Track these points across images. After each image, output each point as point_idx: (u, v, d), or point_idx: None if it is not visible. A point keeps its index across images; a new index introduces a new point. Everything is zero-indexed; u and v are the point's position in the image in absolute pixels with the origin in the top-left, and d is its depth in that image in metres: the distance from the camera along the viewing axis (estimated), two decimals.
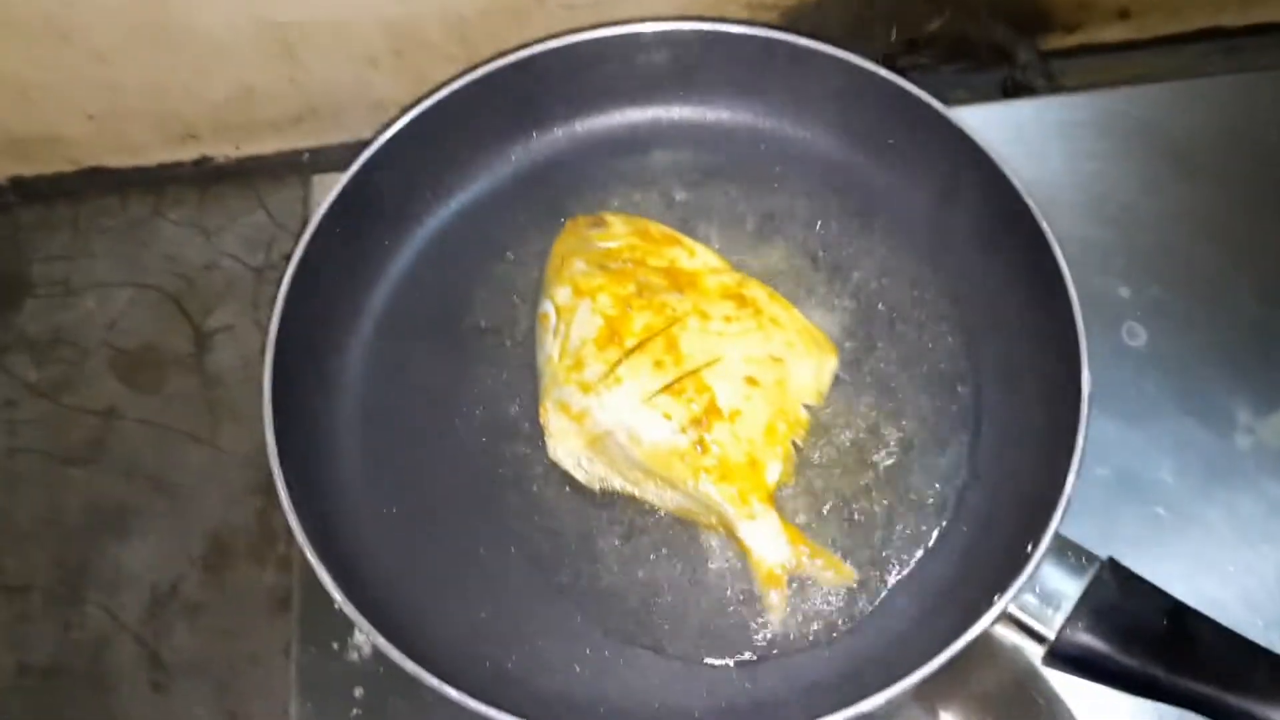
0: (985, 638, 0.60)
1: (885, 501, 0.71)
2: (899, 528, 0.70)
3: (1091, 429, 0.64)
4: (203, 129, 1.10)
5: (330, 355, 0.76)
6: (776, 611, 0.67)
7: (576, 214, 0.80)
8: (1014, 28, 1.03)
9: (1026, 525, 0.64)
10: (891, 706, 0.61)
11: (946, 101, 0.76)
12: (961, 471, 0.71)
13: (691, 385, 0.70)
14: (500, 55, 0.80)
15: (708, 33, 0.80)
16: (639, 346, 0.72)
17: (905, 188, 0.81)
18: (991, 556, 0.68)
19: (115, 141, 1.10)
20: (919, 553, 0.69)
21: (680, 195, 0.82)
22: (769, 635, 0.67)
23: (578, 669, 0.67)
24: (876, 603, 0.68)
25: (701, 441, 0.69)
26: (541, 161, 0.84)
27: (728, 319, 0.73)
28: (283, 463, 0.65)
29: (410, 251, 0.81)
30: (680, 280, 0.75)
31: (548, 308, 0.76)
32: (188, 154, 1.13)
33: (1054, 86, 0.98)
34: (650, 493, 0.71)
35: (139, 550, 0.98)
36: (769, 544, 0.68)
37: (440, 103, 0.78)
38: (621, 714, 0.65)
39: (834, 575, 0.68)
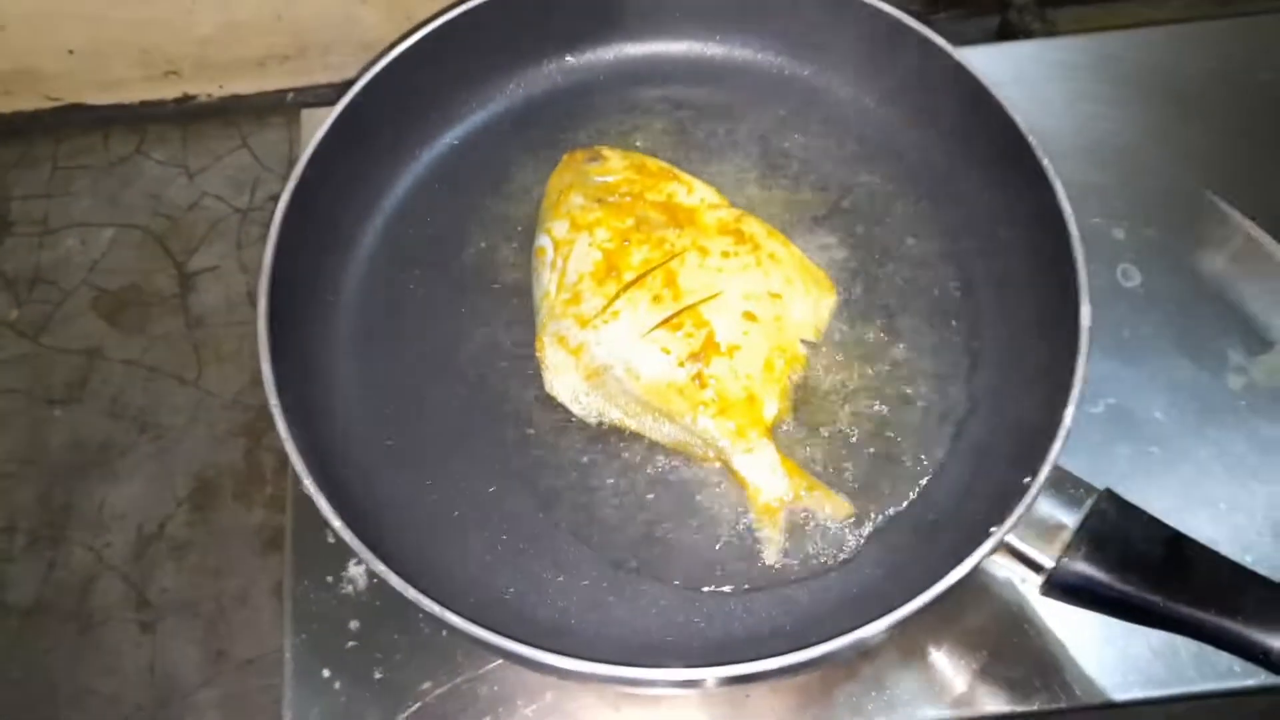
0: (978, 572, 0.60)
1: (884, 433, 0.71)
2: (897, 459, 0.70)
3: (1088, 365, 0.64)
4: (186, 66, 1.08)
5: (324, 288, 0.75)
6: (773, 545, 0.68)
7: (574, 148, 0.79)
8: None
9: (1024, 457, 0.64)
10: (887, 637, 0.61)
11: None
12: (960, 404, 0.71)
13: (690, 320, 0.70)
14: None
15: None
16: (637, 281, 0.71)
17: (907, 126, 0.80)
18: (988, 488, 0.68)
19: (96, 77, 1.08)
20: (917, 485, 0.69)
21: (679, 131, 0.81)
22: (767, 566, 0.67)
23: (576, 599, 0.66)
24: (873, 533, 0.68)
25: (700, 376, 0.69)
26: (538, 95, 0.83)
27: (726, 254, 0.73)
28: (280, 394, 0.64)
29: (405, 184, 0.80)
30: (679, 215, 0.75)
31: (544, 241, 0.75)
32: (170, 92, 1.11)
33: (1049, 30, 0.98)
34: (648, 426, 0.71)
35: (124, 490, 0.97)
36: (766, 477, 0.68)
37: (435, 32, 0.77)
38: (620, 643, 0.65)
39: (831, 509, 0.68)
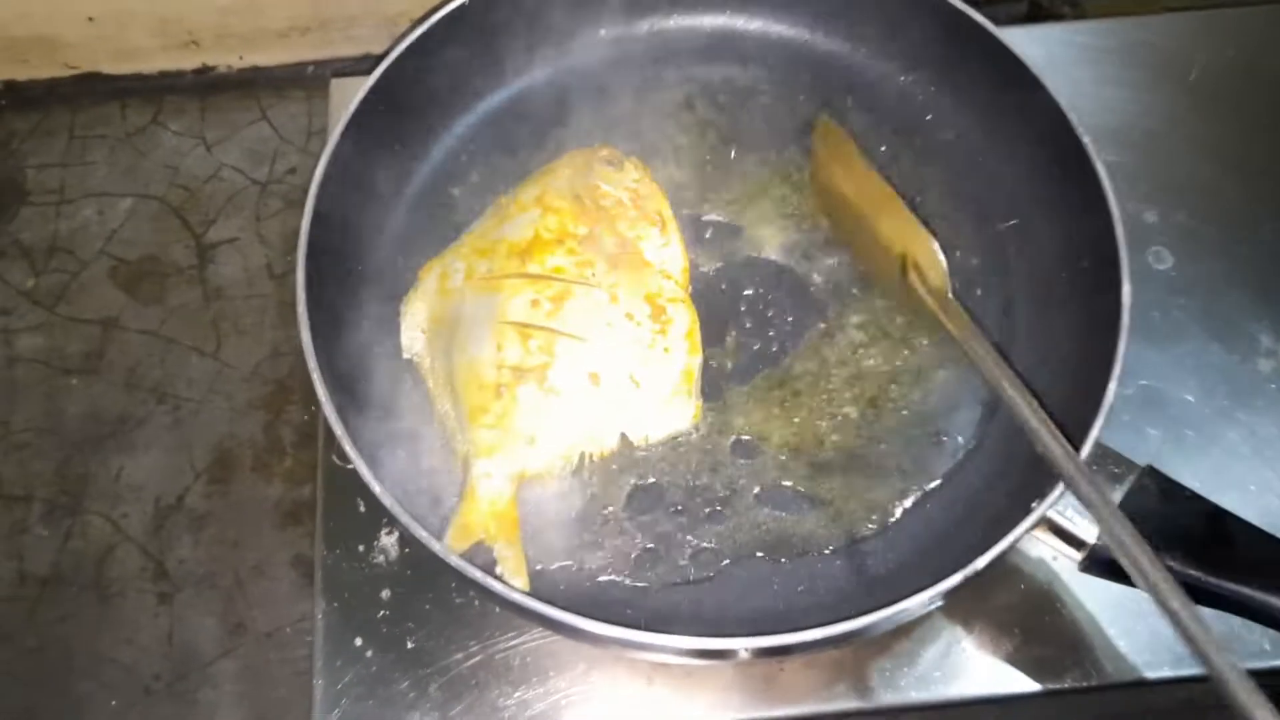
0: (1012, 550, 0.61)
1: (919, 410, 0.71)
2: (932, 436, 0.70)
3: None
4: (206, 37, 1.07)
5: (356, 256, 0.75)
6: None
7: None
8: None
9: (1063, 432, 0.64)
10: (925, 612, 0.61)
11: None
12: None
13: (542, 340, 0.68)
14: None
15: None
16: (533, 276, 0.69)
17: (940, 105, 0.80)
18: (1023, 466, 0.68)
19: (115, 46, 1.07)
20: (953, 461, 0.70)
21: (714, 109, 0.81)
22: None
23: (611, 571, 0.66)
24: (910, 509, 0.68)
25: (505, 388, 0.67)
26: (572, 67, 0.82)
27: (629, 317, 0.70)
28: (318, 359, 0.64)
29: (437, 153, 0.79)
30: (627, 259, 0.72)
31: (510, 194, 0.75)
32: (189, 62, 1.10)
33: (1079, 13, 0.98)
34: (440, 398, 0.69)
35: (142, 461, 0.97)
36: (482, 506, 0.65)
37: (471, 4, 0.76)
38: (654, 613, 0.65)
39: (513, 570, 0.64)
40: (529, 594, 0.59)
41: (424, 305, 0.71)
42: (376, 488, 0.60)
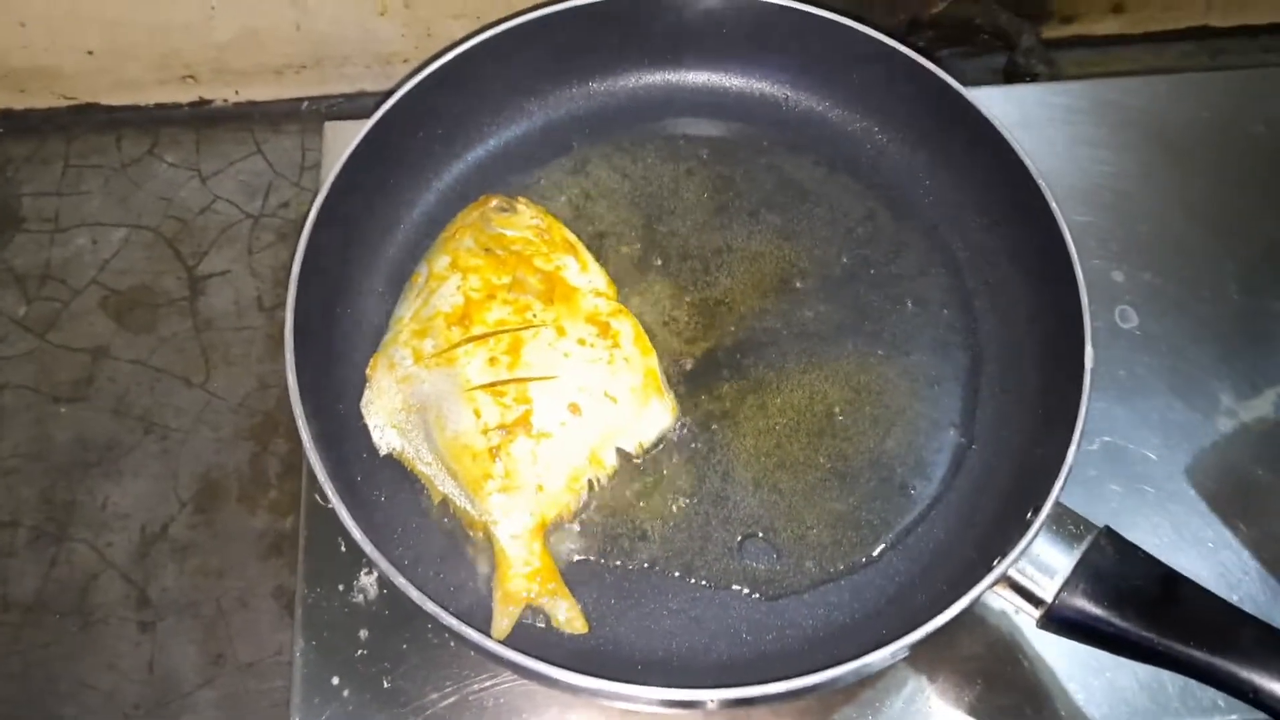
0: (975, 605, 0.63)
1: (885, 463, 0.73)
2: (897, 488, 0.72)
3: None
4: (203, 71, 1.09)
5: (344, 301, 0.77)
6: (500, 632, 0.66)
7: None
8: (1017, 14, 1.06)
9: (1024, 492, 0.66)
10: (890, 662, 0.63)
11: None
12: (958, 438, 0.74)
13: (514, 393, 0.70)
14: (511, 16, 0.80)
15: None
16: (481, 337, 0.71)
17: (911, 161, 0.83)
18: (986, 521, 0.70)
19: (113, 78, 1.08)
20: (914, 514, 0.71)
21: (692, 159, 0.83)
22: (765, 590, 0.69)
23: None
24: (874, 561, 0.70)
25: (498, 449, 0.68)
26: (559, 117, 0.84)
27: (581, 342, 0.72)
28: (304, 403, 0.66)
29: (426, 200, 0.82)
30: (556, 290, 0.74)
31: (422, 269, 0.75)
32: (186, 96, 1.12)
33: (1054, 74, 1.01)
34: (437, 477, 0.70)
35: (128, 490, 0.98)
36: (521, 568, 0.67)
37: (461, 56, 0.78)
38: (626, 660, 0.67)
39: (568, 619, 0.67)
40: (502, 643, 0.61)
41: (384, 401, 0.71)
42: (357, 535, 0.62)
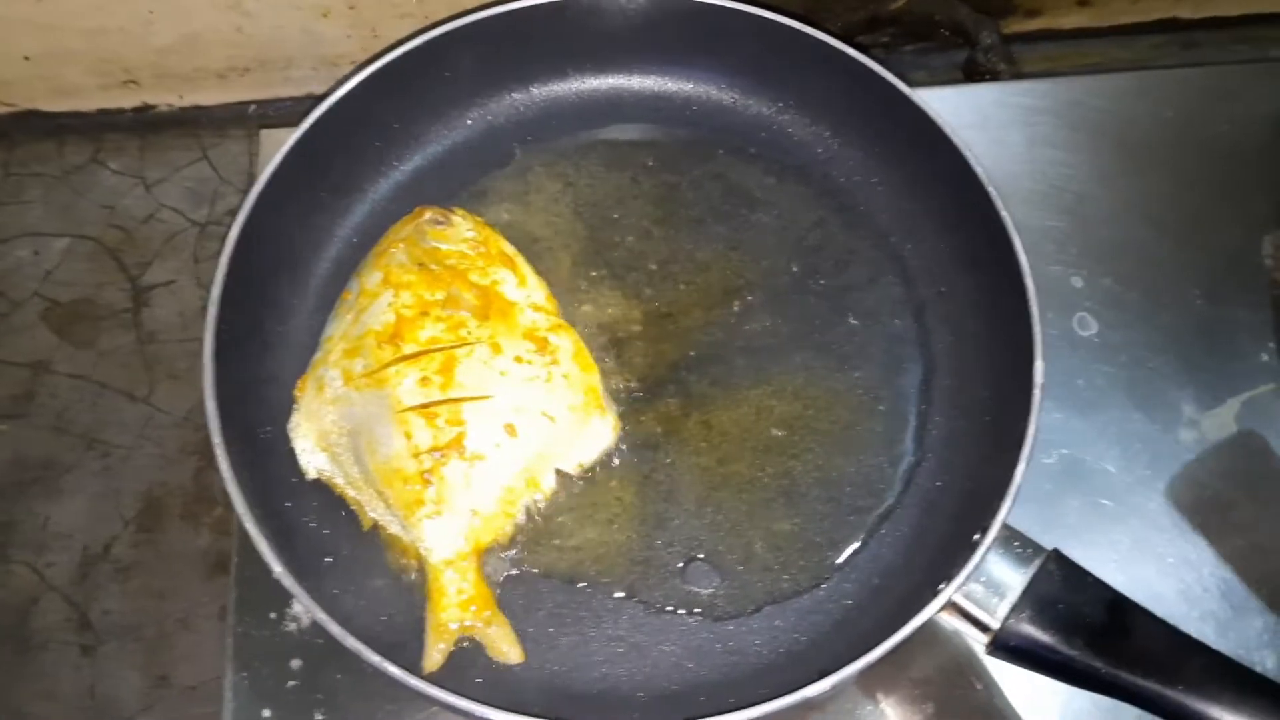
0: (927, 624, 0.61)
1: (831, 481, 0.70)
2: (845, 508, 0.70)
3: (1040, 417, 0.65)
4: (144, 76, 1.06)
5: (274, 318, 0.74)
6: (431, 665, 0.63)
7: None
8: (977, 10, 1.03)
9: (973, 512, 0.64)
10: (834, 692, 0.61)
11: (907, 82, 0.75)
12: (908, 455, 0.71)
13: (447, 414, 0.66)
14: (457, 15, 0.78)
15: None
16: (413, 357, 0.68)
17: (863, 168, 0.80)
18: (936, 542, 0.68)
19: (52, 84, 1.05)
20: (862, 535, 0.69)
21: (635, 166, 0.81)
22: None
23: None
24: (819, 585, 0.68)
25: (430, 473, 0.65)
26: (500, 124, 0.82)
27: (519, 359, 0.69)
28: (223, 429, 0.63)
29: (360, 212, 0.79)
30: (492, 306, 0.71)
31: (353, 285, 0.72)
32: (128, 101, 1.09)
33: (1015, 71, 0.98)
34: (367, 501, 0.68)
35: (69, 509, 0.95)
36: (455, 597, 0.65)
37: (397, 60, 0.76)
38: (562, 692, 0.65)
39: (503, 649, 0.65)
40: (429, 679, 0.59)
41: (312, 423, 0.68)
42: (277, 568, 0.60)
